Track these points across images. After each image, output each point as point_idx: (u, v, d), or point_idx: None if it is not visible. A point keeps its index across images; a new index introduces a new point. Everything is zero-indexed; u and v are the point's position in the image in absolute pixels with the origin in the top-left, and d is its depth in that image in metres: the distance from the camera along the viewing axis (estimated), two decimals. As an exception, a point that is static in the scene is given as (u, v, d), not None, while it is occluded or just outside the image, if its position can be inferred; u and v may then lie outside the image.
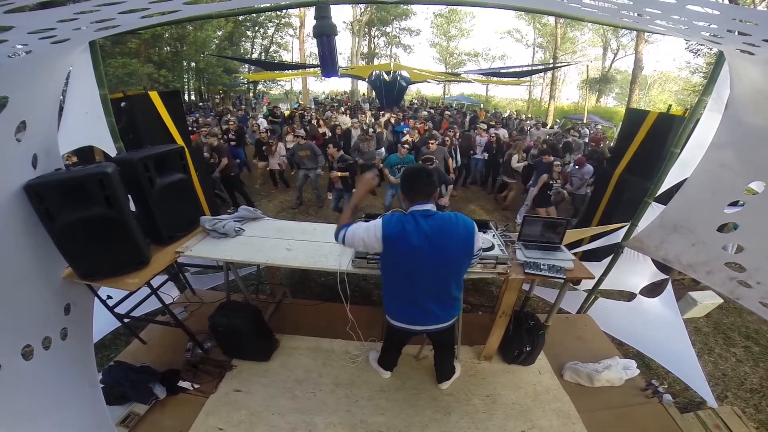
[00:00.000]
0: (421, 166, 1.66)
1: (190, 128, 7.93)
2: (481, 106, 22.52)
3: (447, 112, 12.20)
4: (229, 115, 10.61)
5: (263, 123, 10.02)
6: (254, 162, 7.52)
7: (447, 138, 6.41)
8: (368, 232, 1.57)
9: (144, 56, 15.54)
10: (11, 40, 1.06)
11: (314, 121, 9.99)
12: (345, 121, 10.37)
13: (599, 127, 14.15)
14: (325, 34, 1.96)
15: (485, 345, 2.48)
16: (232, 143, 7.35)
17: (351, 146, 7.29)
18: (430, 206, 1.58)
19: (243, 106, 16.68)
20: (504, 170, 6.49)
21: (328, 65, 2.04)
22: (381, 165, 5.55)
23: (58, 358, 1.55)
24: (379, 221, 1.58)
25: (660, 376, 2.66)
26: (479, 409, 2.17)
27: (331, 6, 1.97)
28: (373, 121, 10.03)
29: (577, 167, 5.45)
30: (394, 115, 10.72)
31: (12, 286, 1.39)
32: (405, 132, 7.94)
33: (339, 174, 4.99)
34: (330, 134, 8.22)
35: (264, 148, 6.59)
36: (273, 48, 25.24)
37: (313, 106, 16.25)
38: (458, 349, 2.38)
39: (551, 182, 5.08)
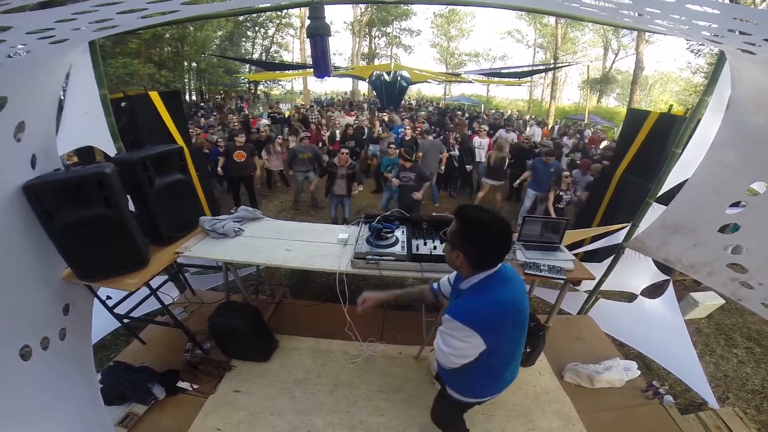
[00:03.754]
0: (494, 212, 1.19)
1: (198, 129, 8.00)
2: (482, 106, 22.53)
3: (458, 112, 12.21)
4: (231, 116, 10.63)
5: (264, 122, 10.04)
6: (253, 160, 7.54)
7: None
8: (464, 339, 1.16)
9: (145, 56, 15.57)
10: (10, 41, 1.06)
11: (320, 121, 10.04)
12: (349, 121, 10.41)
13: (598, 127, 14.13)
14: (318, 34, 1.96)
15: (485, 346, 2.47)
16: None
17: (365, 139, 7.38)
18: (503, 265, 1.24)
19: (243, 107, 16.72)
20: (489, 173, 6.03)
21: (320, 65, 2.05)
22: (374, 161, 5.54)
23: (56, 358, 1.55)
24: (470, 332, 1.14)
25: (661, 377, 2.65)
26: (479, 411, 2.16)
27: (332, 6, 1.97)
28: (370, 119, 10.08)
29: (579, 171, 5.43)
30: (394, 115, 10.75)
31: (11, 286, 1.39)
32: (400, 132, 7.97)
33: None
34: (330, 134, 8.24)
35: (269, 145, 6.59)
36: (273, 48, 25.31)
37: (316, 107, 16.28)
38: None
39: (560, 194, 4.87)
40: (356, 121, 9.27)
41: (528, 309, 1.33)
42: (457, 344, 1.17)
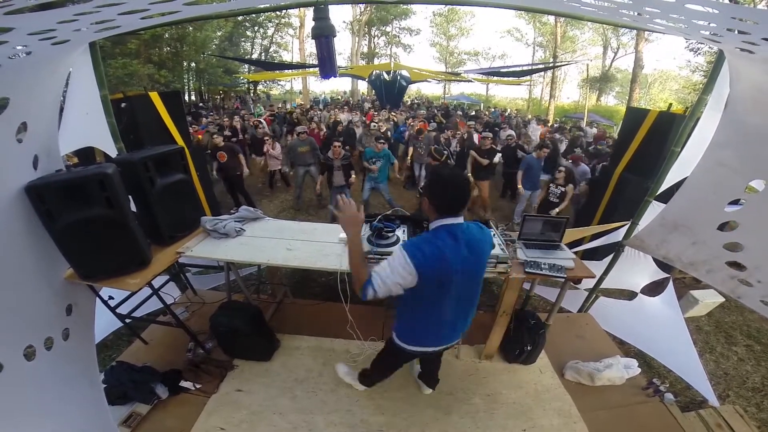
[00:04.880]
0: (461, 174, 1.39)
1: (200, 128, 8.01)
2: (481, 105, 22.51)
3: (459, 112, 12.27)
4: (229, 116, 10.64)
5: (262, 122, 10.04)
6: (252, 159, 7.53)
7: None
8: (398, 274, 1.30)
9: (144, 57, 15.56)
10: (11, 42, 1.07)
11: (318, 120, 10.05)
12: (345, 118, 10.42)
13: (600, 126, 14.18)
14: (323, 35, 1.96)
15: (486, 344, 2.48)
16: (232, 140, 7.38)
17: (356, 140, 7.35)
18: (461, 218, 1.37)
19: (241, 108, 16.75)
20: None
21: (326, 66, 2.05)
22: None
23: (60, 358, 1.56)
24: (401, 254, 1.30)
25: (661, 375, 2.65)
26: (480, 409, 2.17)
27: (331, 6, 1.97)
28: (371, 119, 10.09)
29: (572, 164, 5.43)
30: (395, 115, 10.75)
31: (14, 286, 1.40)
32: (403, 131, 7.98)
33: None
34: (328, 131, 8.23)
35: (266, 143, 6.56)
36: (273, 48, 25.30)
37: (320, 107, 16.30)
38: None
39: (554, 189, 4.85)
40: (351, 122, 9.26)
41: (473, 282, 1.50)
42: (392, 268, 1.31)
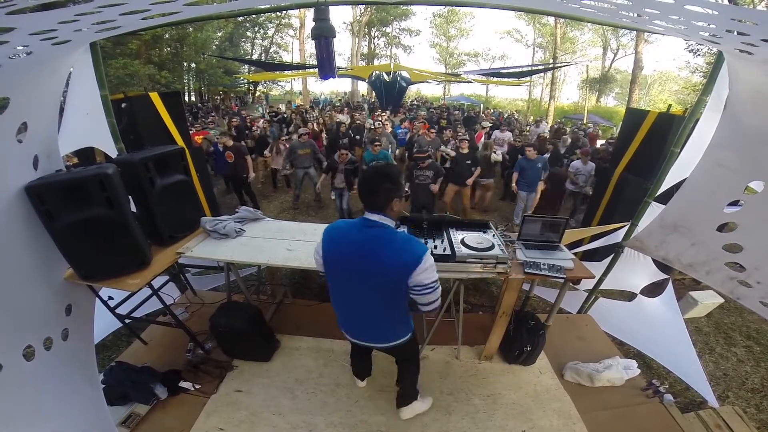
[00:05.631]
0: (377, 168, 1.38)
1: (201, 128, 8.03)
2: (481, 106, 22.53)
3: (457, 111, 12.31)
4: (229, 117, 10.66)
5: (263, 123, 10.05)
6: (254, 159, 7.54)
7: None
8: (316, 248, 1.52)
9: (144, 57, 15.57)
10: (12, 42, 1.07)
11: (318, 121, 10.05)
12: (344, 119, 10.41)
13: (596, 126, 14.22)
14: (323, 36, 1.97)
15: (486, 345, 2.48)
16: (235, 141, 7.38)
17: (363, 139, 7.39)
18: (377, 217, 1.34)
19: (240, 107, 16.78)
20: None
21: (325, 67, 2.06)
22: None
23: (59, 358, 1.55)
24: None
25: (661, 376, 2.65)
26: (480, 409, 2.17)
27: (331, 7, 1.97)
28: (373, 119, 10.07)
29: (580, 161, 5.45)
30: (394, 116, 10.75)
31: (13, 286, 1.40)
32: (400, 133, 8.01)
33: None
34: (328, 131, 8.22)
35: (270, 145, 6.62)
36: (273, 49, 25.32)
37: (321, 107, 16.29)
38: (420, 385, 2.06)
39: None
40: (358, 121, 9.26)
41: (363, 283, 1.41)
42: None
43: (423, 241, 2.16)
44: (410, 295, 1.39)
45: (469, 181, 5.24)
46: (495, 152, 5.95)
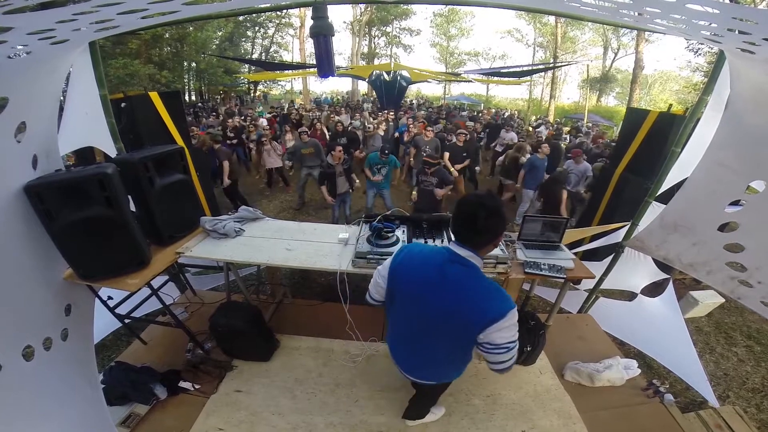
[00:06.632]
0: (484, 199, 1.13)
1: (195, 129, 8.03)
2: (481, 105, 22.52)
3: (463, 113, 12.26)
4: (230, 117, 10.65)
5: (263, 122, 10.06)
6: (253, 159, 7.54)
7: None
8: (379, 271, 1.41)
9: (144, 57, 15.57)
10: (11, 41, 1.06)
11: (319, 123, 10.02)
12: (344, 119, 10.38)
13: (598, 127, 14.22)
14: (321, 34, 1.96)
15: (486, 345, 2.47)
16: (233, 141, 7.38)
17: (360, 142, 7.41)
18: (467, 254, 1.17)
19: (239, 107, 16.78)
20: (503, 172, 6.20)
21: (324, 65, 2.05)
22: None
23: (58, 358, 1.55)
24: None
25: (661, 376, 2.65)
26: (480, 409, 2.17)
27: (332, 6, 1.97)
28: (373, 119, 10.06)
29: (572, 162, 5.43)
30: (392, 116, 10.72)
31: (12, 286, 1.39)
32: (404, 132, 7.96)
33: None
34: (331, 132, 8.19)
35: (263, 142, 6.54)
36: (273, 48, 25.33)
37: (322, 106, 16.27)
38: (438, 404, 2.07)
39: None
40: (359, 120, 9.21)
41: (432, 310, 1.23)
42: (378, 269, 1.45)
43: (423, 241, 2.16)
44: (479, 351, 1.23)
45: (458, 166, 5.37)
46: (526, 156, 5.89)
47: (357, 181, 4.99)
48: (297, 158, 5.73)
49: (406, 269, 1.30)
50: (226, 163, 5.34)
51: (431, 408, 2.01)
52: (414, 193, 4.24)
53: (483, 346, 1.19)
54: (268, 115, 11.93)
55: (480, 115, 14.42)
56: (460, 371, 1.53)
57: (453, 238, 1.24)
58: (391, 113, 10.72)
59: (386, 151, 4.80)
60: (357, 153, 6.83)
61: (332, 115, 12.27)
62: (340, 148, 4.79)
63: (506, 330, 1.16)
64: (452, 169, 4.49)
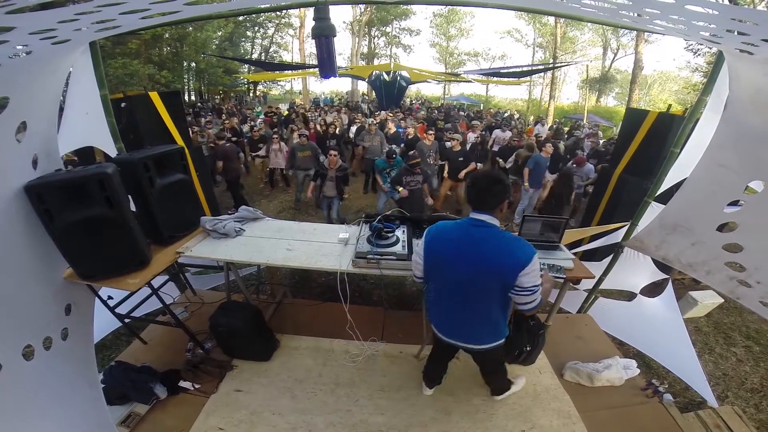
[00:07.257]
0: (488, 173, 1.56)
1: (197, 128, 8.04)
2: (481, 105, 22.54)
3: (462, 113, 12.23)
4: (230, 116, 10.65)
5: (260, 122, 10.05)
6: (251, 160, 7.53)
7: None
8: (416, 251, 1.63)
9: (144, 57, 15.57)
10: (12, 41, 1.07)
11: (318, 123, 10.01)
12: (344, 119, 10.38)
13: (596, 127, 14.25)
14: (323, 35, 1.97)
15: (485, 345, 2.48)
16: (233, 140, 7.37)
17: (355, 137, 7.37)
18: (486, 217, 1.45)
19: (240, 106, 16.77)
20: (515, 171, 6.10)
21: (326, 66, 2.05)
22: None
23: (58, 358, 1.55)
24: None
25: (660, 376, 2.66)
26: (479, 409, 2.17)
27: (331, 6, 1.97)
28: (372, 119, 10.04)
29: (575, 166, 5.44)
30: (391, 115, 10.72)
31: (13, 286, 1.40)
32: (402, 132, 7.96)
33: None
34: (324, 132, 8.16)
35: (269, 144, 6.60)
36: (273, 48, 25.33)
37: (322, 106, 16.24)
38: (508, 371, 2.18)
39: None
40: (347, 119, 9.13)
41: (474, 268, 1.45)
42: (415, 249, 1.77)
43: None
44: (510, 294, 1.46)
45: (461, 175, 5.41)
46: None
47: (347, 195, 4.99)
48: (295, 160, 5.74)
49: (439, 241, 1.54)
50: (220, 163, 5.54)
51: (511, 378, 2.18)
52: (402, 189, 4.33)
53: (515, 289, 1.43)
54: (263, 116, 11.89)
55: (480, 114, 14.43)
56: (504, 332, 1.70)
57: (471, 209, 1.49)
58: (398, 113, 10.65)
59: (393, 155, 4.84)
60: (359, 150, 6.83)
61: (336, 118, 12.25)
62: (336, 153, 4.92)
63: (532, 275, 1.40)
64: (429, 199, 4.55)
